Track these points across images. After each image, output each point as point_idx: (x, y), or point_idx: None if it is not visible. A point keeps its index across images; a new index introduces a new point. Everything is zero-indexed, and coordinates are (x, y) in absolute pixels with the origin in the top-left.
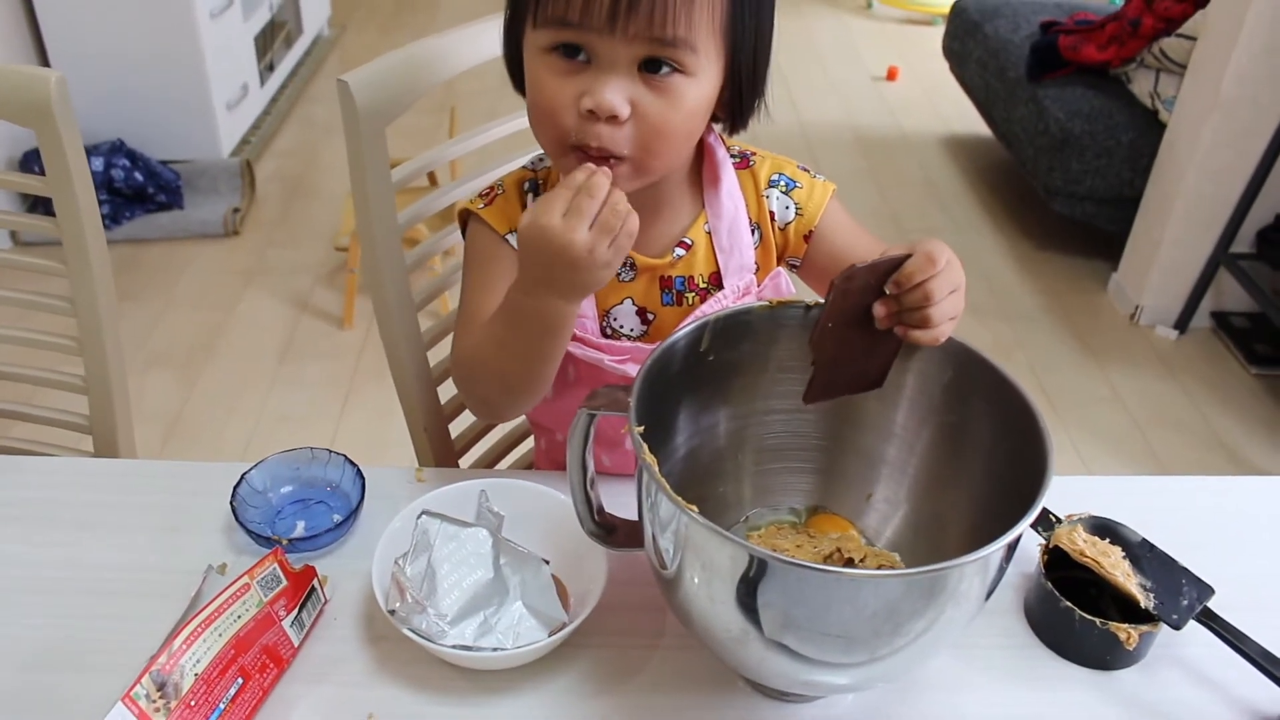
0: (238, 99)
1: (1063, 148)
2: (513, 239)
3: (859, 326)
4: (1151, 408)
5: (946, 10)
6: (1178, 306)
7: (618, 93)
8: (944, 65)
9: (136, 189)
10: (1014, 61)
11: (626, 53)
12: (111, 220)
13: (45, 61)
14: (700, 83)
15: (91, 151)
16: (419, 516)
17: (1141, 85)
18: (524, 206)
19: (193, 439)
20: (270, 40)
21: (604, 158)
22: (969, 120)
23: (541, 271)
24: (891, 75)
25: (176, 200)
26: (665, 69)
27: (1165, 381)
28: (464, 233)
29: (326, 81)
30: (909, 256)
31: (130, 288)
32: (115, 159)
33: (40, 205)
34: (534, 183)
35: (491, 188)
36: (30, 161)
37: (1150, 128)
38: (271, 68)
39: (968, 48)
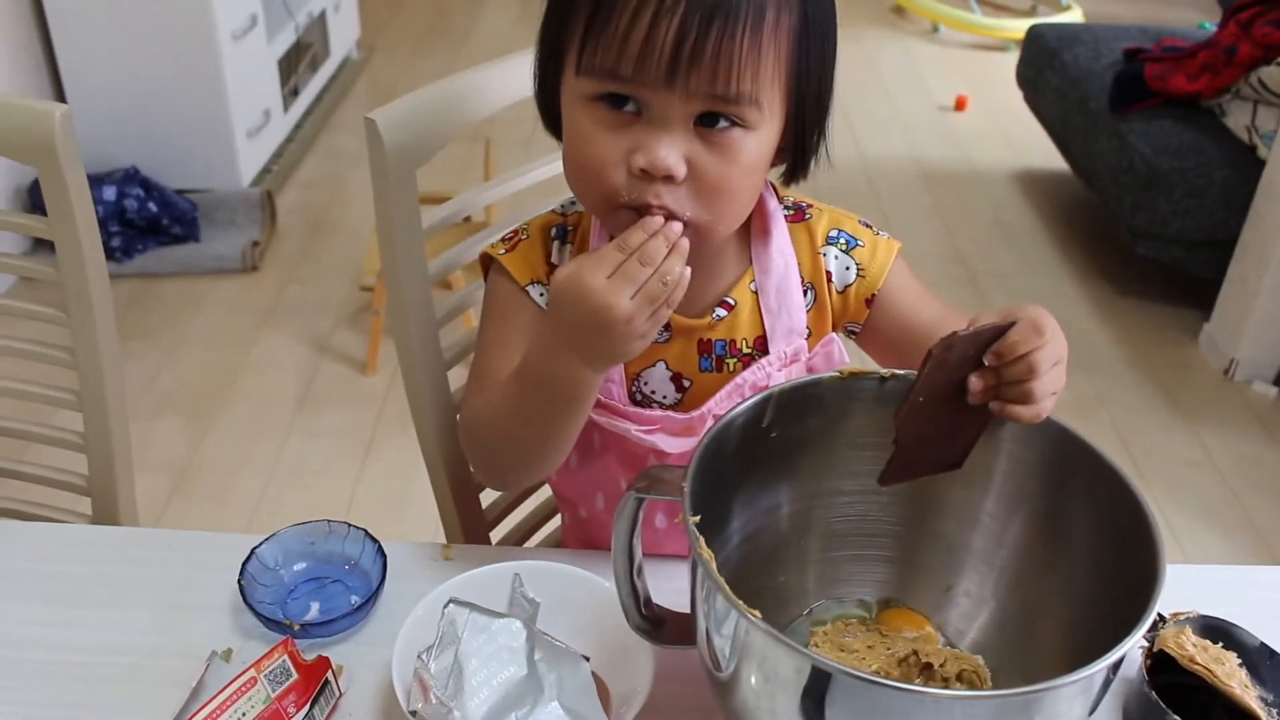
0: (259, 126)
1: (1149, 186)
2: (534, 291)
3: (950, 401)
4: (1248, 472)
5: (1020, 35)
6: (1277, 361)
7: (673, 150)
8: (1018, 95)
9: (150, 220)
10: (1095, 92)
11: (683, 108)
12: (123, 253)
13: (58, 82)
14: (761, 135)
15: (104, 179)
16: (446, 605)
17: (1237, 118)
18: (548, 254)
19: (201, 492)
20: (295, 63)
21: (671, 217)
22: (1044, 154)
23: (569, 332)
24: (960, 105)
25: (192, 233)
26: (724, 123)
27: (1264, 443)
28: (485, 277)
29: (354, 108)
30: (1012, 325)
31: (141, 325)
32: (128, 188)
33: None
34: (562, 228)
35: (515, 231)
36: (37, 190)
37: (1246, 164)
38: (296, 92)
39: (1044, 76)
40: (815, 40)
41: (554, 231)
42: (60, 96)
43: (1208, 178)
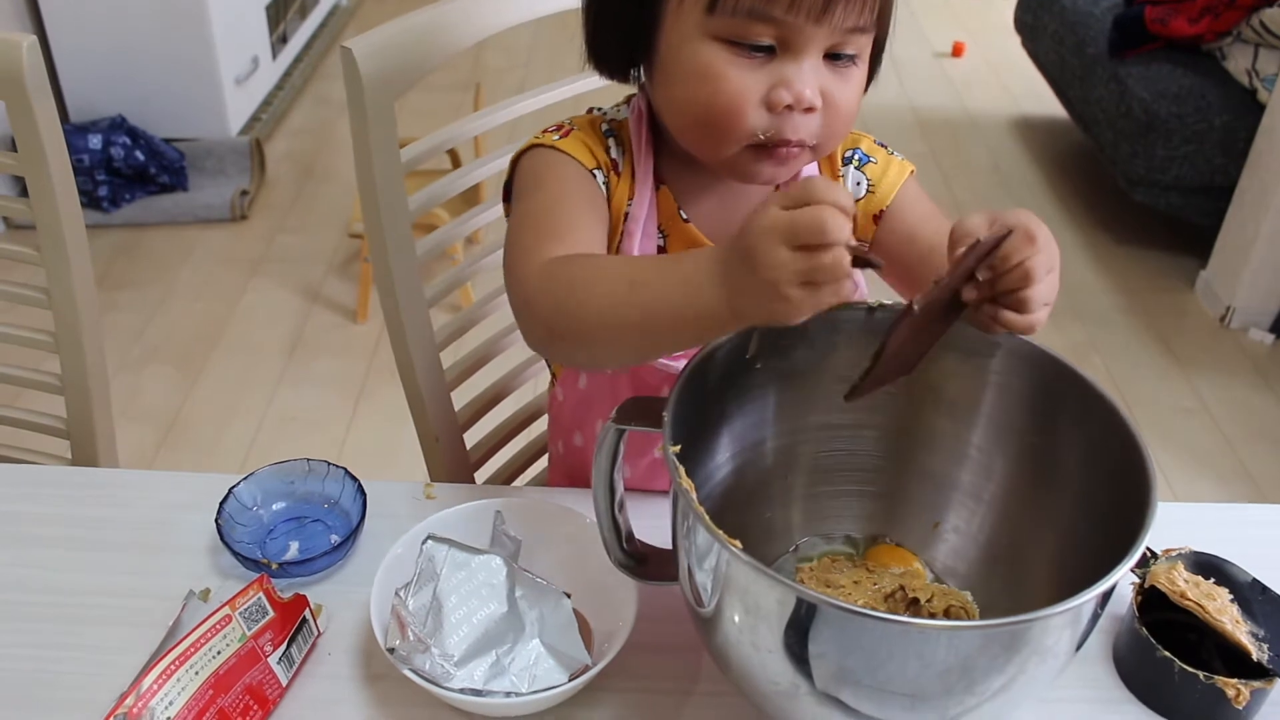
0: (247, 73)
1: (1147, 132)
2: (599, 176)
3: (937, 318)
4: (1243, 420)
5: None
6: (1274, 308)
7: (812, 83)
8: (1015, 40)
9: (137, 169)
10: (1094, 36)
11: (822, 42)
12: (110, 202)
13: (41, 29)
14: (864, 63)
15: (90, 128)
16: (424, 541)
17: (1238, 62)
18: (606, 148)
19: (190, 441)
20: (284, 9)
21: (800, 147)
22: (1042, 100)
23: (733, 250)
24: (957, 51)
25: (180, 181)
26: (850, 50)
27: (1259, 391)
28: (511, 176)
29: None
30: (1008, 235)
31: (128, 275)
32: (115, 136)
33: None
34: (610, 129)
35: (560, 125)
36: None
37: (1247, 109)
38: (284, 39)
39: (1042, 20)
40: None
41: (605, 127)
42: (45, 43)
43: (1207, 123)
